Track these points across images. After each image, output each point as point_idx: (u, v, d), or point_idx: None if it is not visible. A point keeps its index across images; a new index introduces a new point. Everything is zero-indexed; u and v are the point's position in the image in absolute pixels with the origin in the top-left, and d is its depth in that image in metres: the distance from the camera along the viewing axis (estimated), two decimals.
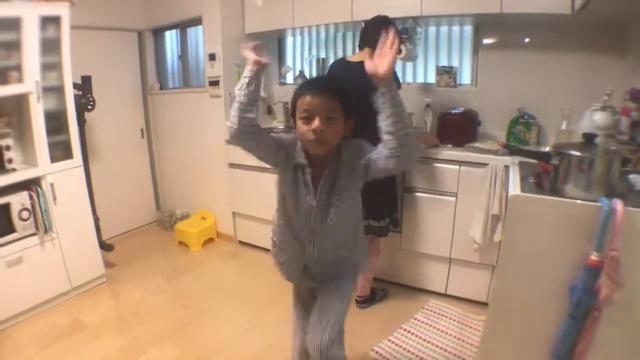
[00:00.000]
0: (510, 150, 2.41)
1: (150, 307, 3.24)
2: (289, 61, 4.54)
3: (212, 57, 4.02)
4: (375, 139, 2.68)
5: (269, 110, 4.44)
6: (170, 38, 4.84)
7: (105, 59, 4.36)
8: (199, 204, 4.68)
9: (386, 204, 2.88)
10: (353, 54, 3.13)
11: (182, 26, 4.54)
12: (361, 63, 2.62)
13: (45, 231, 3.13)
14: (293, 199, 1.64)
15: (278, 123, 4.24)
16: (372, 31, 2.63)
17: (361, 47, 2.76)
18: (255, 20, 4.03)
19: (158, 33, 4.82)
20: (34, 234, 3.11)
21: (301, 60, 4.44)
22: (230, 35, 3.99)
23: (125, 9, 4.42)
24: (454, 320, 2.90)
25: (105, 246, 3.84)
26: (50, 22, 3.14)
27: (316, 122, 1.47)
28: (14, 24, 2.91)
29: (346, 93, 1.58)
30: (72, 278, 3.38)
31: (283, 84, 4.39)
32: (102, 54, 4.31)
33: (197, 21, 4.21)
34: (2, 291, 2.96)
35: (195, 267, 3.95)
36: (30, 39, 2.97)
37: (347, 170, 1.60)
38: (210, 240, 4.47)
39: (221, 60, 3.97)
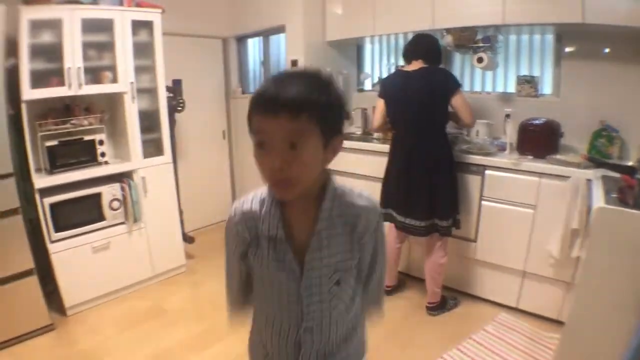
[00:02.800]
0: (595, 163, 2.36)
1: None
2: (367, 68, 4.61)
3: (294, 63, 4.15)
4: (439, 138, 2.89)
5: (347, 116, 4.49)
6: (253, 45, 5.06)
7: (192, 64, 4.61)
8: None
9: (450, 204, 2.92)
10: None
11: (265, 34, 4.73)
12: (418, 70, 2.84)
13: (135, 221, 3.37)
14: (271, 280, 1.12)
15: (356, 128, 4.30)
16: (423, 45, 2.94)
17: (413, 59, 2.94)
18: (336, 28, 4.13)
19: (241, 40, 5.05)
20: (122, 223, 3.36)
21: (380, 67, 4.50)
22: (312, 43, 4.13)
23: (212, 18, 4.67)
24: (525, 335, 2.84)
25: (186, 238, 4.05)
26: (142, 27, 3.40)
27: (273, 161, 0.91)
28: (105, 26, 3.16)
29: (324, 92, 0.94)
30: (155, 266, 3.62)
31: (361, 90, 4.47)
32: (189, 59, 4.56)
33: (279, 29, 4.36)
34: (85, 274, 3.20)
35: None
36: (123, 41, 3.22)
37: (341, 232, 1.07)
38: None
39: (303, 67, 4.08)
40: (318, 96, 0.91)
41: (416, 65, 2.90)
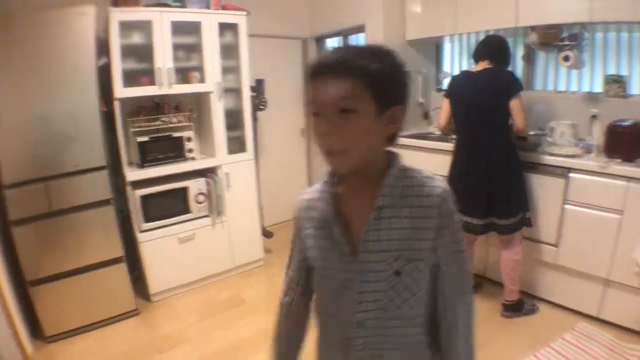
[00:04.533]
0: None
1: None
2: (446, 67, 4.55)
3: None
4: (499, 139, 2.84)
5: (426, 116, 4.49)
6: (332, 45, 5.10)
7: (274, 64, 4.75)
8: None
9: (513, 202, 2.89)
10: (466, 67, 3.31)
11: (344, 34, 4.78)
12: (483, 71, 2.85)
13: (218, 214, 3.55)
14: (324, 266, 1.06)
15: (434, 128, 4.25)
16: (492, 46, 2.96)
17: (481, 59, 2.95)
18: (415, 27, 4.12)
19: (320, 40, 5.13)
20: (206, 216, 3.53)
21: (459, 66, 4.43)
22: (392, 42, 4.09)
23: (293, 20, 4.81)
24: (605, 346, 2.71)
25: (265, 233, 4.19)
26: (228, 29, 3.55)
27: (323, 127, 0.89)
28: (193, 28, 3.32)
29: (376, 59, 0.89)
30: (236, 258, 3.78)
31: (440, 90, 4.41)
32: (271, 60, 4.70)
33: (359, 29, 4.41)
34: (170, 263, 3.39)
35: None
36: (210, 43, 3.38)
37: (408, 216, 0.97)
38: None
39: None
40: (368, 62, 0.87)
41: (482, 65, 2.91)
